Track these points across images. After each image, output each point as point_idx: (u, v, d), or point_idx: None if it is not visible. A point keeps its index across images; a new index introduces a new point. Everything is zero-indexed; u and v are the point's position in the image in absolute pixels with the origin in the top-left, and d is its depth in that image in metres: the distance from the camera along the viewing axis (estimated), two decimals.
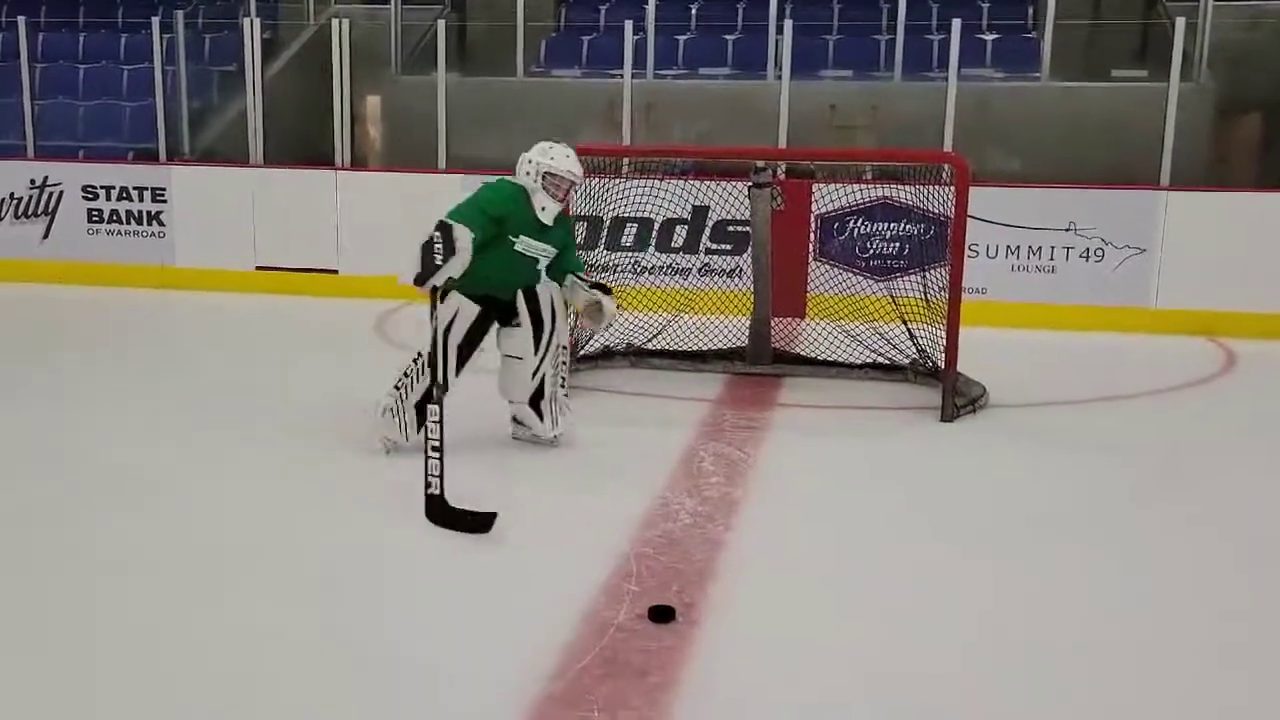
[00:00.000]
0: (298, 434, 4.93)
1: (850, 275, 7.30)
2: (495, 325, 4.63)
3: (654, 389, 5.92)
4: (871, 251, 7.84)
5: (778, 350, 6.38)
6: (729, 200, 7.23)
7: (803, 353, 6.42)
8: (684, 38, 9.84)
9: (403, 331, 7.41)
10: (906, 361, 6.14)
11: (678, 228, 8.07)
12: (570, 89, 9.48)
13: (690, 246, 8.13)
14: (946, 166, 6.07)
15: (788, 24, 8.35)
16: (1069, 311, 7.74)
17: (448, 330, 4.44)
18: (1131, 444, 5.15)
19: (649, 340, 6.43)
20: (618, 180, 6.76)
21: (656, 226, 8.04)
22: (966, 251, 5.95)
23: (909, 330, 6.13)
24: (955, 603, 3.31)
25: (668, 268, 8.11)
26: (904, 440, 5.13)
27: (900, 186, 7.20)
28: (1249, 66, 8.49)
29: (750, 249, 6.50)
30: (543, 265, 4.63)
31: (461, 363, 4.52)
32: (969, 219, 5.65)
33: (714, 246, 8.12)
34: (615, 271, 7.33)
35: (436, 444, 3.87)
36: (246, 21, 9.09)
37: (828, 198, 7.63)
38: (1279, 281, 7.53)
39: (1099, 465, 4.74)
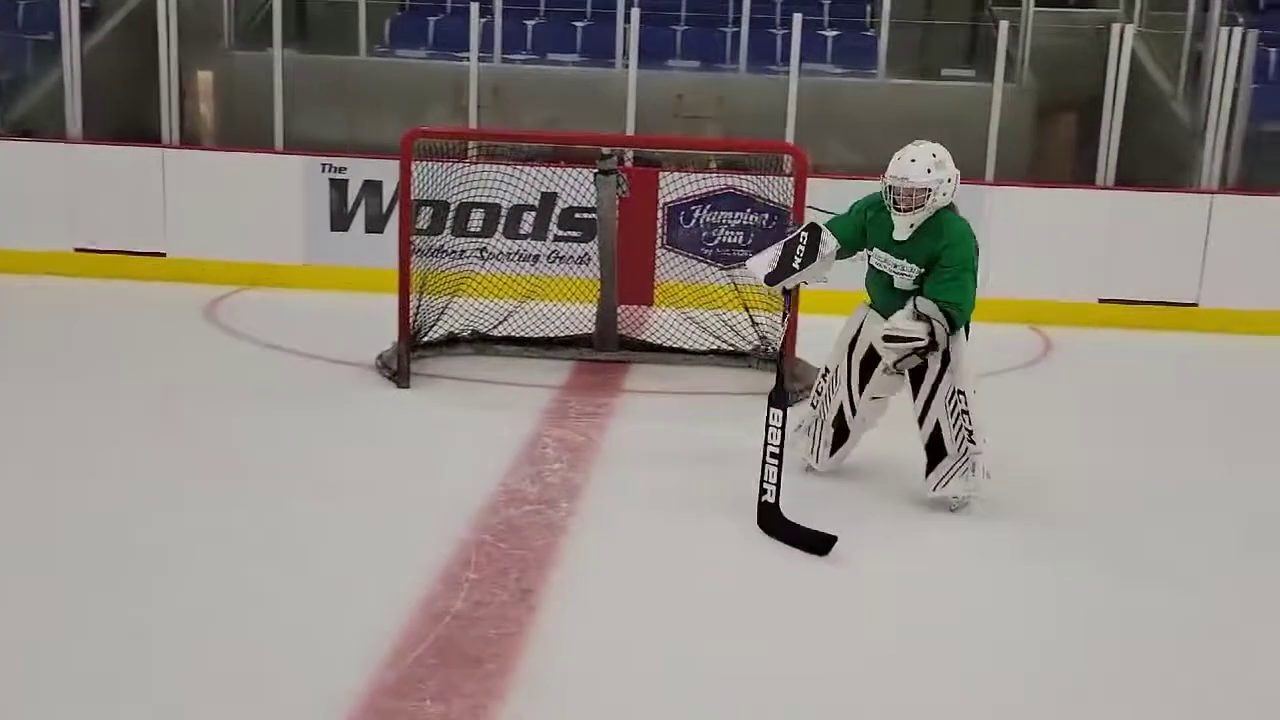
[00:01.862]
0: (126, 427, 4.68)
1: (696, 263, 7.40)
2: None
3: (499, 376, 5.87)
4: (717, 240, 7.96)
5: (624, 337, 6.41)
6: (577, 187, 7.21)
7: (649, 339, 6.48)
8: (532, 23, 9.76)
9: (237, 318, 7.12)
10: (749, 348, 6.27)
11: (526, 214, 8.00)
12: (415, 70, 9.26)
13: (539, 233, 8.09)
14: (787, 157, 6.21)
15: (635, 13, 8.38)
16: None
17: (851, 345, 4.22)
18: None
19: (494, 326, 6.37)
20: (464, 165, 6.67)
21: (504, 212, 7.96)
22: None
23: (751, 317, 6.26)
24: (790, 585, 3.41)
25: (516, 254, 8.04)
26: (744, 425, 5.23)
27: (744, 176, 7.33)
28: (1066, 69, 9.00)
29: (597, 236, 6.52)
30: (902, 285, 4.01)
31: (864, 381, 4.19)
32: (809, 209, 5.81)
33: (562, 233, 8.09)
34: (462, 257, 7.22)
35: (776, 451, 3.73)
36: None
37: (675, 186, 7.70)
38: (1091, 272, 8.03)
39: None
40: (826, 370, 4.35)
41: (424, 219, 6.67)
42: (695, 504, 4.06)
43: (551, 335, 6.43)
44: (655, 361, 6.28)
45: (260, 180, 8.22)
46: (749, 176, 7.09)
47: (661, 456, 4.63)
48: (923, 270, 3.97)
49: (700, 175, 7.74)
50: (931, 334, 3.86)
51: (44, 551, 3.38)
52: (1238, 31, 8.13)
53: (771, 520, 3.73)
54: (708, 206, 7.99)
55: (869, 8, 9.91)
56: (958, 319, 3.92)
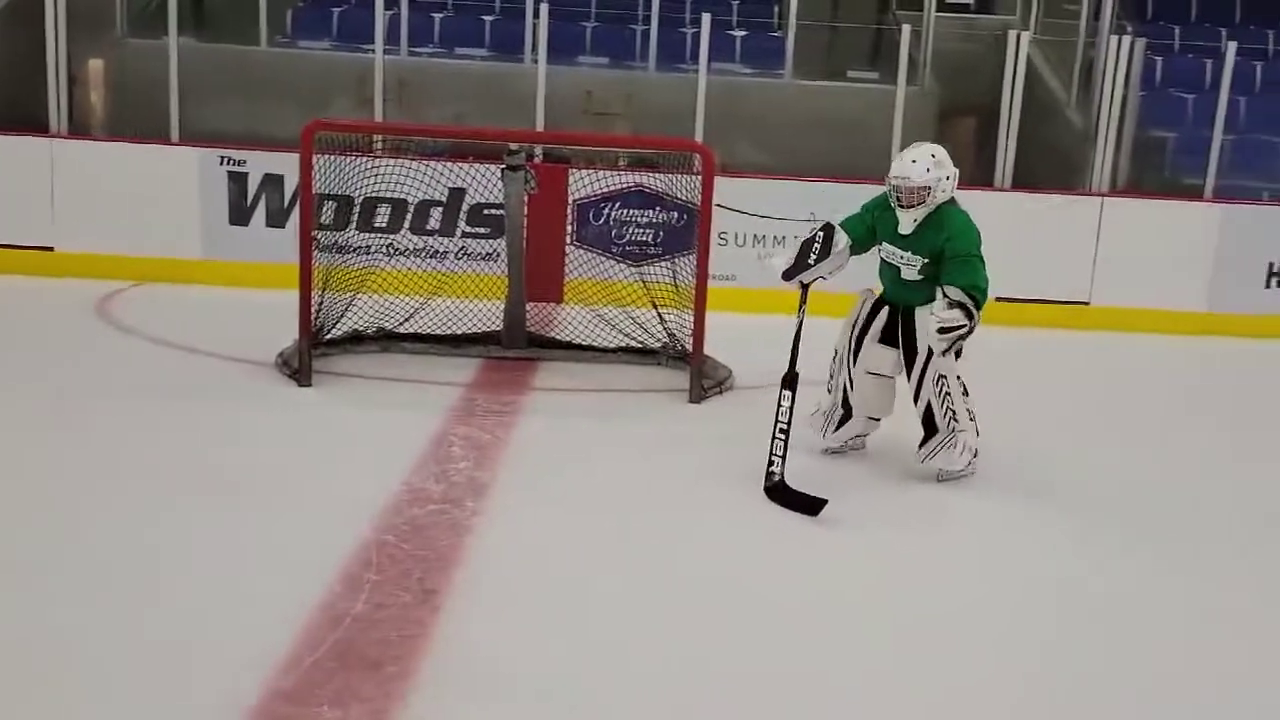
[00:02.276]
0: (13, 428, 4.48)
1: (606, 261, 7.40)
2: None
3: (405, 374, 5.78)
4: (626, 238, 7.97)
5: (533, 334, 6.37)
6: (486, 183, 7.14)
7: (558, 337, 6.45)
8: (440, 16, 9.63)
9: (130, 315, 6.88)
10: (658, 345, 6.29)
11: (433, 210, 7.90)
12: (319, 62, 9.05)
13: (446, 229, 7.99)
14: (696, 156, 6.25)
15: (544, 8, 8.33)
16: (811, 297, 8.14)
17: (853, 327, 4.59)
18: None
19: (401, 324, 6.27)
20: (369, 159, 6.55)
21: (411, 208, 7.84)
22: (716, 239, 6.18)
23: (660, 315, 6.28)
24: (699, 578, 3.43)
25: (423, 250, 7.93)
26: (653, 421, 5.27)
27: (653, 174, 7.36)
28: (966, 74, 9.24)
29: (505, 233, 6.46)
30: (909, 277, 4.40)
31: (855, 351, 4.54)
32: (716, 207, 5.86)
33: (470, 229, 8.01)
34: (367, 253, 7.09)
35: (785, 426, 4.15)
36: None
37: (584, 183, 7.68)
38: (990, 272, 8.21)
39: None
40: (836, 352, 4.71)
41: (327, 213, 6.52)
42: (603, 501, 4.06)
43: (459, 332, 6.35)
44: (564, 359, 6.25)
45: (155, 172, 7.94)
46: (658, 174, 7.11)
47: (569, 454, 4.62)
48: (927, 261, 4.35)
49: (609, 173, 7.74)
50: (970, 317, 4.23)
51: None
52: (1126, 40, 8.44)
53: (775, 490, 4.11)
54: (617, 204, 7.99)
55: (777, 9, 10.02)
56: (980, 300, 4.29)
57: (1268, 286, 8.26)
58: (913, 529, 4.06)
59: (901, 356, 4.49)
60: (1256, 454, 5.35)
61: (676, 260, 6.36)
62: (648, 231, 7.95)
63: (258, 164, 7.93)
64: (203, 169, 7.91)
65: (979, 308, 4.26)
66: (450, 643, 2.88)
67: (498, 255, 7.44)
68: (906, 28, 8.46)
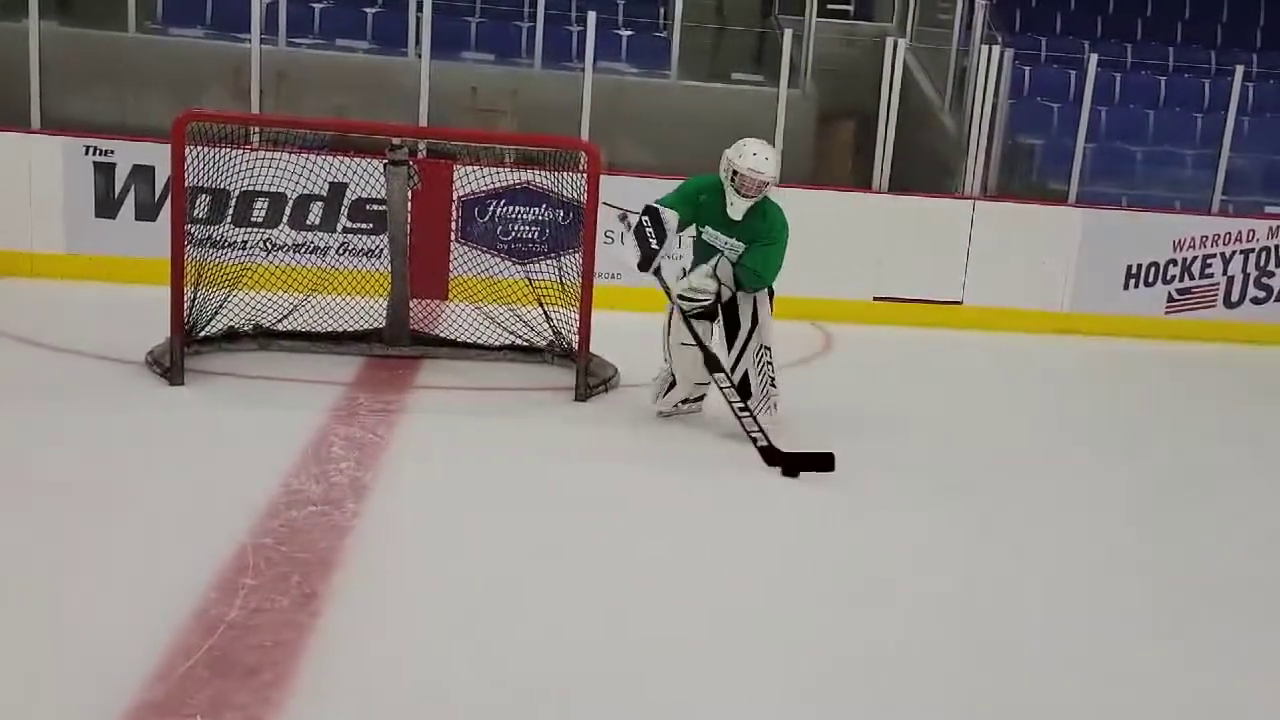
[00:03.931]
0: None
1: (491, 258, 7.35)
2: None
3: (283, 372, 5.63)
4: (512, 235, 7.93)
5: (416, 332, 6.28)
6: (368, 178, 7.00)
7: (443, 334, 6.38)
8: (320, 6, 9.40)
9: None
10: (543, 344, 6.28)
11: (313, 204, 7.72)
12: (191, 50, 8.74)
13: (328, 224, 7.82)
14: (582, 154, 6.26)
15: (427, 1, 8.23)
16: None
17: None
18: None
19: (279, 321, 6.10)
20: (245, 151, 6.35)
21: (290, 202, 7.65)
22: (601, 238, 6.19)
23: (546, 313, 6.27)
24: (588, 575, 3.44)
25: (303, 245, 7.74)
26: (538, 419, 5.26)
27: (540, 172, 7.33)
28: (846, 79, 9.48)
29: (388, 228, 6.36)
30: (730, 257, 4.89)
31: (682, 328, 4.88)
32: (602, 205, 5.88)
33: (353, 225, 7.85)
34: (244, 248, 6.87)
35: (741, 405, 4.65)
36: None
37: (469, 180, 7.61)
38: (867, 272, 8.49)
39: (707, 435, 5.12)
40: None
41: (201, 207, 6.31)
42: (486, 500, 4.04)
43: (340, 330, 6.22)
44: (449, 357, 6.18)
45: (14, 162, 7.57)
46: (544, 172, 7.09)
47: (453, 454, 4.58)
48: (747, 247, 4.88)
49: (495, 169, 7.69)
50: (717, 296, 4.88)
51: None
52: (996, 49, 8.79)
53: (774, 456, 4.51)
54: (503, 201, 7.95)
55: (662, 10, 10.11)
56: (755, 282, 4.93)
57: (1125, 288, 8.72)
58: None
59: (722, 329, 5.00)
60: (1102, 444, 5.65)
61: (562, 258, 6.36)
62: (533, 229, 7.93)
63: (126, 154, 7.62)
64: (67, 159, 7.57)
65: (748, 287, 4.94)
66: (329, 647, 2.83)
67: (380, 251, 7.32)
68: (788, 32, 8.64)
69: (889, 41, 8.68)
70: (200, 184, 5.85)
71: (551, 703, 2.69)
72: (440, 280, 7.51)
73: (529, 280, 6.42)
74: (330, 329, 6.20)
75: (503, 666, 2.83)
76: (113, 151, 7.63)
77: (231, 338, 5.95)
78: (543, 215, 7.81)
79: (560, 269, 6.28)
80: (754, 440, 4.60)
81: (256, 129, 7.12)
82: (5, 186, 7.50)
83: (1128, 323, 8.69)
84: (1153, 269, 8.73)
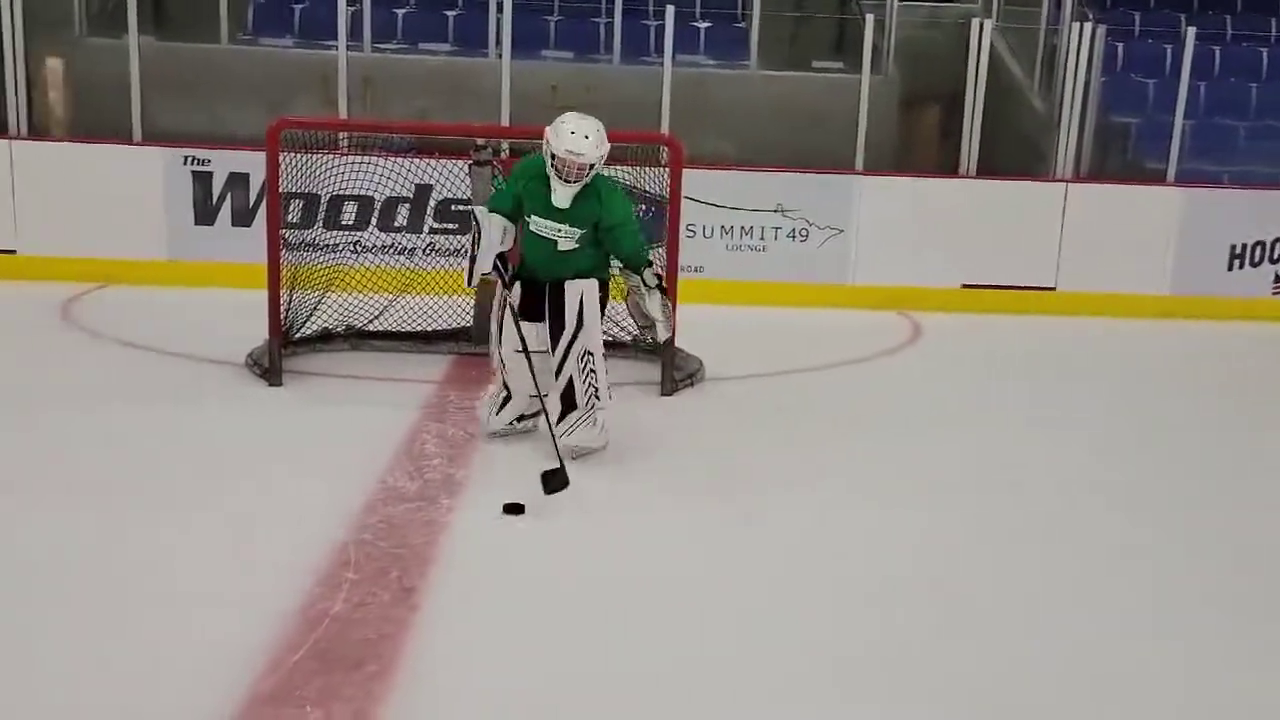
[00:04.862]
0: None
1: None
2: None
3: (376, 371, 5.75)
4: None
5: None
6: (453, 179, 7.12)
7: None
8: (403, 11, 9.57)
9: (96, 317, 6.81)
10: (628, 338, 6.29)
11: (400, 206, 7.87)
12: (281, 60, 8.98)
13: (414, 226, 7.96)
14: (663, 148, 6.26)
15: (507, 2, 8.31)
16: (778, 289, 8.21)
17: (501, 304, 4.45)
18: (831, 408, 5.55)
19: (370, 321, 6.24)
20: (334, 156, 6.50)
21: (378, 205, 7.80)
22: (684, 231, 6.19)
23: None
24: (679, 574, 3.44)
25: (391, 247, 7.89)
26: (626, 414, 5.26)
27: (621, 167, 7.35)
28: (929, 62, 9.30)
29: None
30: (565, 248, 4.32)
31: (513, 335, 4.37)
32: (685, 199, 5.88)
33: (439, 225, 7.98)
34: (335, 251, 7.04)
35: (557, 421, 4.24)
36: None
37: None
38: (955, 259, 8.33)
39: (801, 428, 5.10)
40: (494, 335, 4.59)
41: (294, 212, 6.49)
42: (577, 496, 4.06)
43: (429, 329, 6.33)
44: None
45: (118, 173, 7.86)
46: (625, 167, 7.11)
47: (541, 449, 4.61)
48: (584, 231, 4.32)
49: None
50: (661, 281, 4.49)
51: None
52: (1088, 26, 8.54)
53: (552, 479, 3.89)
54: None
55: (740, 0, 10.05)
56: (642, 263, 4.47)
57: (1229, 269, 8.40)
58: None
59: (547, 331, 4.41)
60: (1207, 432, 5.45)
61: None
62: None
63: (222, 163, 7.86)
64: (167, 169, 7.84)
65: (642, 267, 4.47)
66: (429, 641, 2.88)
67: (465, 250, 7.42)
68: (870, 17, 8.51)
69: (974, 22, 8.51)
70: (292, 189, 6.01)
71: (650, 698, 2.69)
72: None
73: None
74: (419, 328, 6.32)
75: (595, 660, 2.85)
76: (209, 161, 7.88)
77: (326, 339, 6.11)
78: None
79: None
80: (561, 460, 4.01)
81: (345, 134, 7.29)
82: (110, 197, 7.79)
83: (1233, 305, 8.37)
84: (1258, 248, 8.40)
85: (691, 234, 7.92)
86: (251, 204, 7.82)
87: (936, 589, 3.41)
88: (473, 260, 4.36)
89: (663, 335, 4.57)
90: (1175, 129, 8.48)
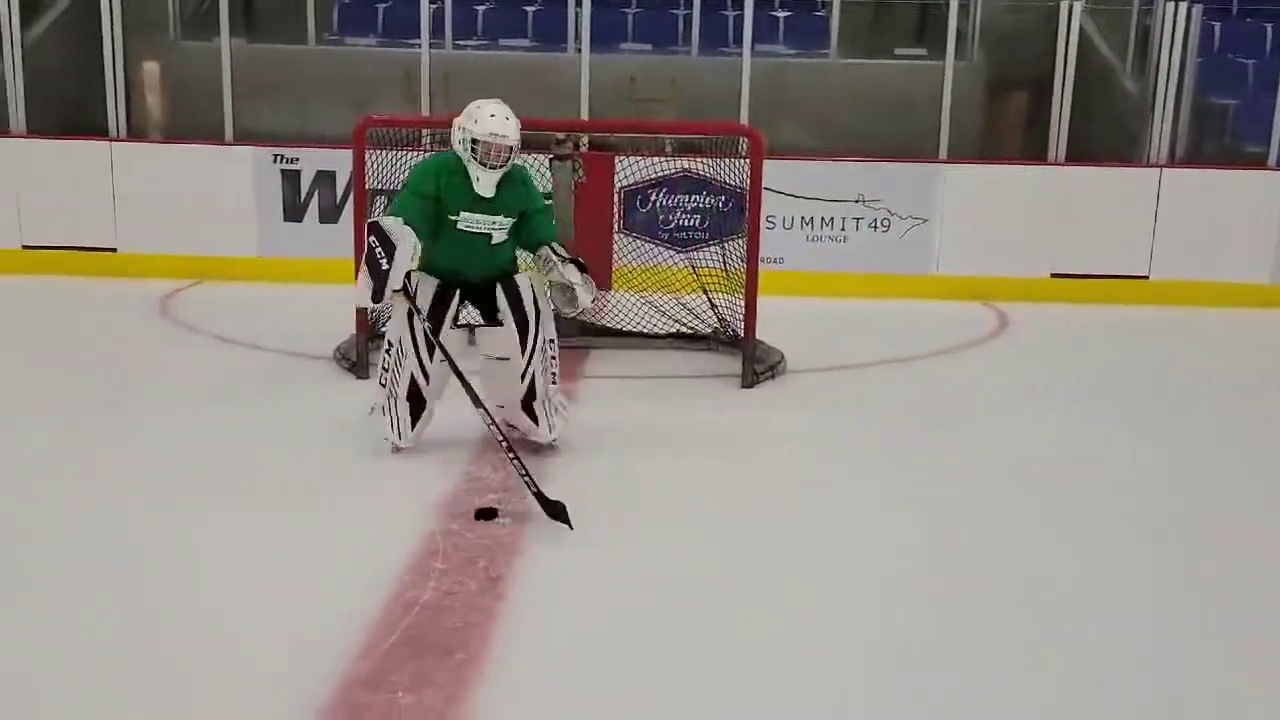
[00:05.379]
0: (80, 426, 4.61)
1: (653, 247, 7.40)
2: (475, 321, 4.32)
3: (458, 364, 5.82)
4: (673, 223, 7.95)
5: (583, 322, 6.40)
6: (532, 173, 7.17)
7: (608, 324, 6.47)
8: (483, 8, 9.68)
9: (191, 313, 7.03)
10: (708, 331, 6.29)
11: None
12: (365, 58, 9.16)
13: None
14: (742, 139, 6.23)
15: None
16: (859, 280, 8.12)
17: (410, 316, 4.09)
18: (915, 401, 5.47)
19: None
20: (418, 153, 6.60)
21: None
22: (764, 222, 6.15)
23: (710, 300, 6.28)
24: (762, 567, 3.43)
25: None
26: (707, 407, 5.27)
27: (700, 159, 7.34)
28: (1015, 46, 9.09)
29: (554, 221, 6.48)
30: (499, 241, 4.17)
31: (430, 343, 4.08)
32: (765, 191, 5.84)
33: None
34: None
35: (508, 446, 3.70)
36: None
37: (630, 170, 7.68)
38: (1043, 248, 8.14)
39: (884, 421, 5.03)
40: (391, 345, 4.21)
41: (379, 208, 6.60)
42: (657, 488, 4.08)
43: None
44: (614, 346, 6.28)
45: (210, 172, 8.11)
46: (705, 159, 7.10)
47: (623, 441, 4.64)
48: (514, 220, 4.15)
49: (656, 159, 7.74)
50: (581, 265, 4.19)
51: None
52: (1183, 6, 8.26)
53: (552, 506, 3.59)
54: (664, 190, 7.98)
55: None
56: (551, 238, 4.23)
57: None
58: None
59: (513, 335, 4.19)
60: None
61: (725, 244, 6.35)
62: (695, 216, 7.92)
63: (310, 161, 8.05)
64: (257, 168, 8.06)
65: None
66: (516, 629, 2.92)
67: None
68: (955, 1, 8.35)
69: (1064, 5, 8.28)
70: (378, 186, 6.12)
71: (741, 691, 2.69)
72: (603, 270, 7.60)
73: (692, 268, 6.44)
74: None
75: (682, 649, 2.85)
76: (297, 159, 8.07)
77: None
78: (704, 202, 7.80)
79: (724, 255, 6.27)
80: (528, 484, 3.64)
81: (427, 131, 7.40)
82: (203, 196, 8.04)
83: None
84: None
85: (771, 225, 7.87)
86: (338, 201, 8.00)
87: (997, 586, 3.34)
88: (381, 275, 3.83)
89: (586, 299, 4.20)
90: (1277, 110, 8.15)
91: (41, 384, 5.32)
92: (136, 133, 8.63)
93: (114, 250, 8.15)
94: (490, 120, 3.98)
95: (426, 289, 4.15)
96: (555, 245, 4.22)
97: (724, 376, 5.71)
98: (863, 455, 4.58)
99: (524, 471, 3.66)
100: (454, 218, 4.07)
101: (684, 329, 6.36)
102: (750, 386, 5.55)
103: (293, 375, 5.60)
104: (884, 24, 10.08)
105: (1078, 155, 8.27)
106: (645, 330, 6.35)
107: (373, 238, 3.86)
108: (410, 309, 4.08)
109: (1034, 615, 3.12)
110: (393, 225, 3.90)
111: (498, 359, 4.25)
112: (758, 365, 5.65)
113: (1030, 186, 8.15)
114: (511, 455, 3.73)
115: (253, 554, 3.38)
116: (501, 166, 4.05)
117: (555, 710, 2.56)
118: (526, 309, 4.20)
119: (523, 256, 4.43)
